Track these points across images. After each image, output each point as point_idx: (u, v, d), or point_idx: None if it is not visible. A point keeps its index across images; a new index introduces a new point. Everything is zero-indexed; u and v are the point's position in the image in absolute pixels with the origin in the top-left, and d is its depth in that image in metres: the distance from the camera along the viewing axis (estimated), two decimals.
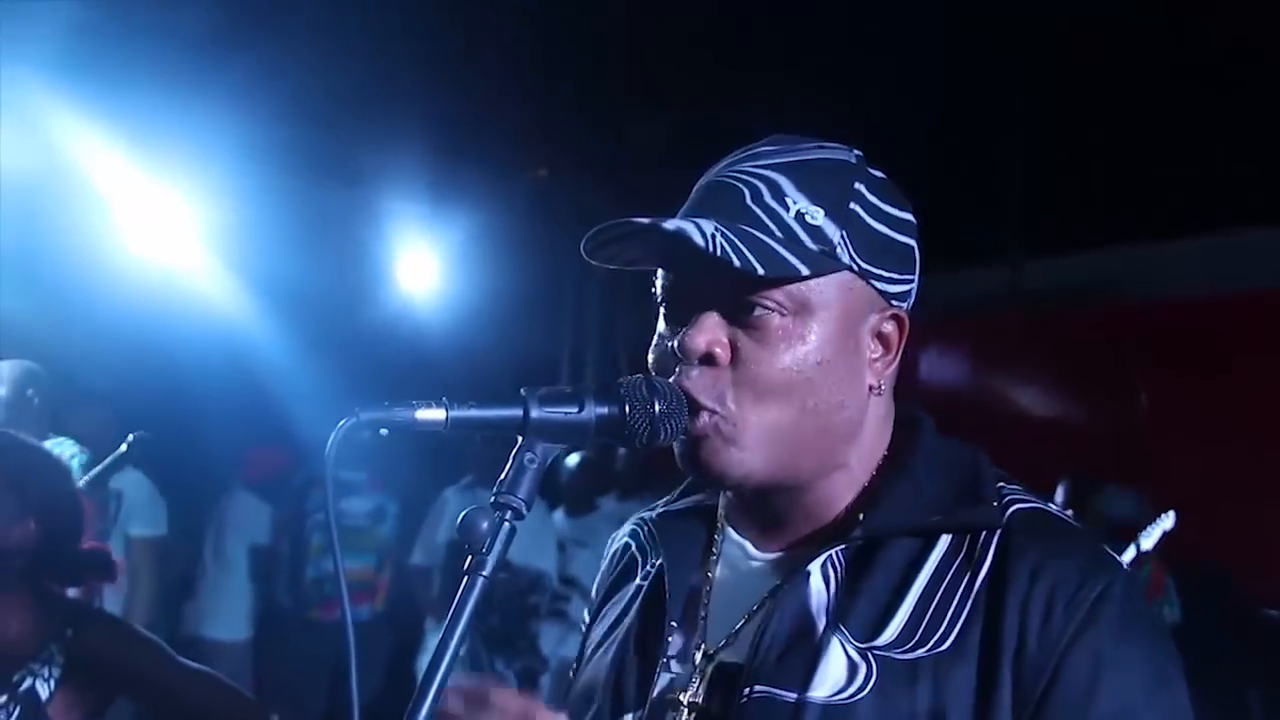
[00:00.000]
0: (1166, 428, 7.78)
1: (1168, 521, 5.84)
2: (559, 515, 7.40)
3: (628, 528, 1.76)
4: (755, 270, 1.33)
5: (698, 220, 1.36)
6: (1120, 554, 1.45)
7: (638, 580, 1.65)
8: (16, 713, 2.55)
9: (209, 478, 7.77)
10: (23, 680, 2.59)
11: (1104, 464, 6.50)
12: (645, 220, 1.37)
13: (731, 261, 1.32)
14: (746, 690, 1.37)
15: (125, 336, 7.48)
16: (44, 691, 2.60)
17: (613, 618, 1.65)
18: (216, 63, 6.86)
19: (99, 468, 4.73)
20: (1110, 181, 8.98)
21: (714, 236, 1.33)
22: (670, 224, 1.35)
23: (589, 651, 1.66)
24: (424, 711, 1.22)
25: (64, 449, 4.76)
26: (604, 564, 1.77)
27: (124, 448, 4.80)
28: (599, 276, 11.08)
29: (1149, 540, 5.80)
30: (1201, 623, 6.00)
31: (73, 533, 2.78)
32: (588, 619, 1.75)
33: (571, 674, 1.71)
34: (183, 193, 7.51)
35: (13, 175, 6.11)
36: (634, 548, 1.71)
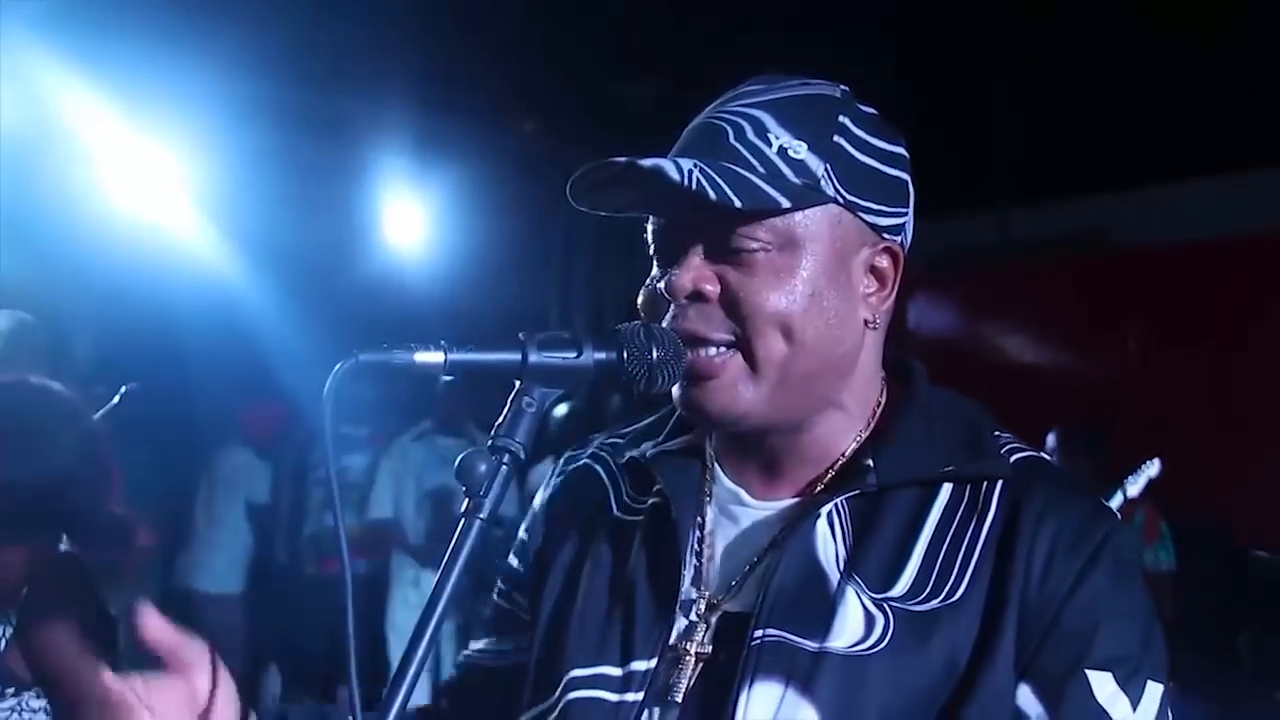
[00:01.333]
0: (1155, 375, 7.80)
1: (1153, 469, 5.86)
2: (548, 465, 7.39)
3: (589, 450, 1.72)
4: (732, 203, 1.32)
5: (677, 159, 1.36)
6: (1108, 500, 1.47)
7: (617, 514, 1.61)
8: None
9: (199, 433, 7.77)
10: None
11: (1093, 413, 6.51)
12: (623, 160, 1.36)
13: (707, 195, 1.31)
14: (758, 634, 1.36)
15: (114, 293, 7.47)
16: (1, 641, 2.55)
17: (595, 550, 1.59)
18: (204, 19, 6.82)
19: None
20: (1098, 129, 8.96)
21: (690, 172, 1.33)
22: (647, 162, 1.34)
23: (566, 578, 1.60)
24: (419, 653, 1.22)
25: None
26: (554, 480, 1.73)
27: (116, 400, 4.78)
28: (586, 230, 11.08)
29: (1135, 487, 5.81)
30: (1195, 569, 6.04)
31: (91, 491, 2.72)
32: (526, 530, 1.72)
33: (504, 585, 1.69)
34: (171, 149, 7.48)
35: (3, 133, 6.07)
36: (603, 476, 1.67)
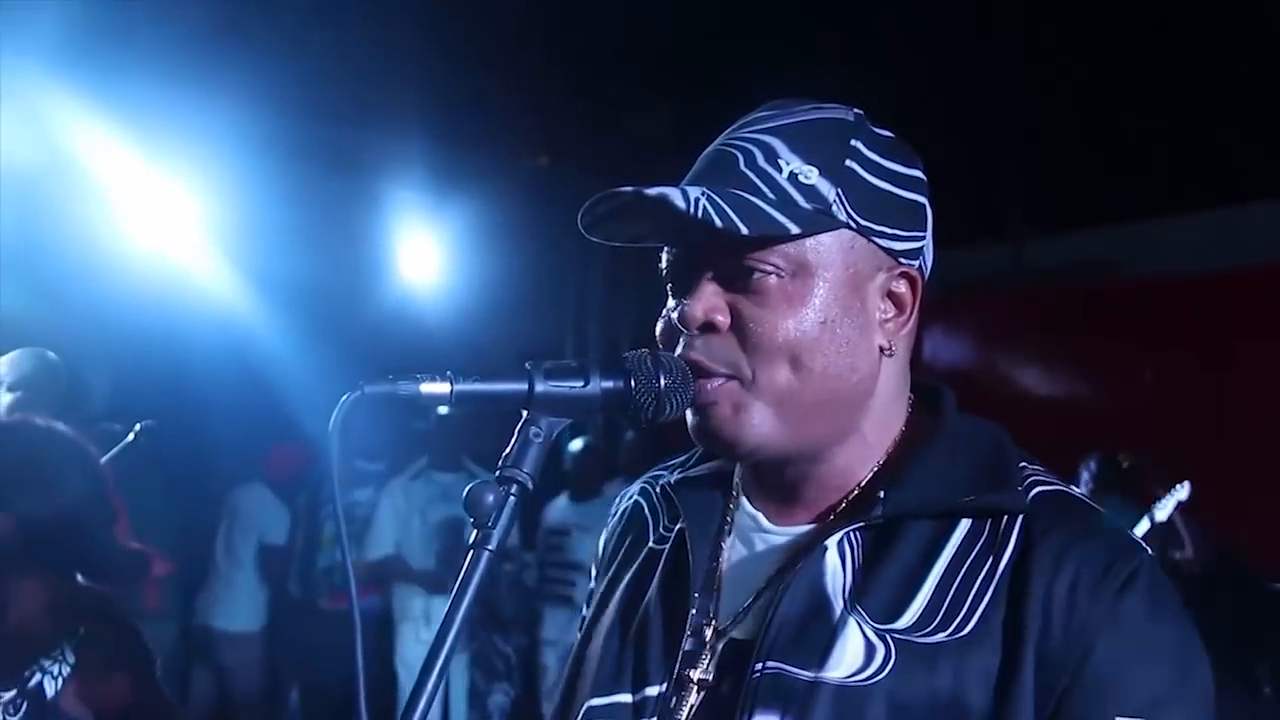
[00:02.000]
0: (1170, 404, 7.78)
1: (1182, 492, 5.85)
2: (563, 500, 7.39)
3: (637, 486, 1.73)
4: (739, 230, 1.31)
5: (686, 187, 1.35)
6: (1134, 526, 1.43)
7: (651, 544, 1.62)
8: (24, 709, 2.51)
9: (213, 469, 7.78)
10: (32, 676, 2.55)
11: (1108, 442, 6.49)
12: (630, 189, 1.35)
13: (713, 222, 1.30)
14: (759, 666, 1.35)
15: (128, 329, 7.48)
16: (50, 689, 2.55)
17: (626, 581, 1.61)
18: (217, 53, 6.85)
19: (105, 458, 4.70)
20: (1111, 159, 8.97)
21: (697, 200, 1.31)
22: (653, 191, 1.33)
23: (599, 607, 1.63)
24: (430, 684, 1.22)
25: None
26: (611, 520, 1.74)
27: (131, 437, 4.78)
28: (601, 263, 11.10)
29: (1163, 512, 5.80)
30: (1213, 599, 6.01)
31: (99, 525, 2.74)
32: (594, 576, 1.73)
33: (579, 632, 1.68)
34: (184, 184, 7.50)
35: (14, 167, 6.10)
36: (645, 508, 1.68)
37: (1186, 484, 5.88)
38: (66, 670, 2.57)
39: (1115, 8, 8.01)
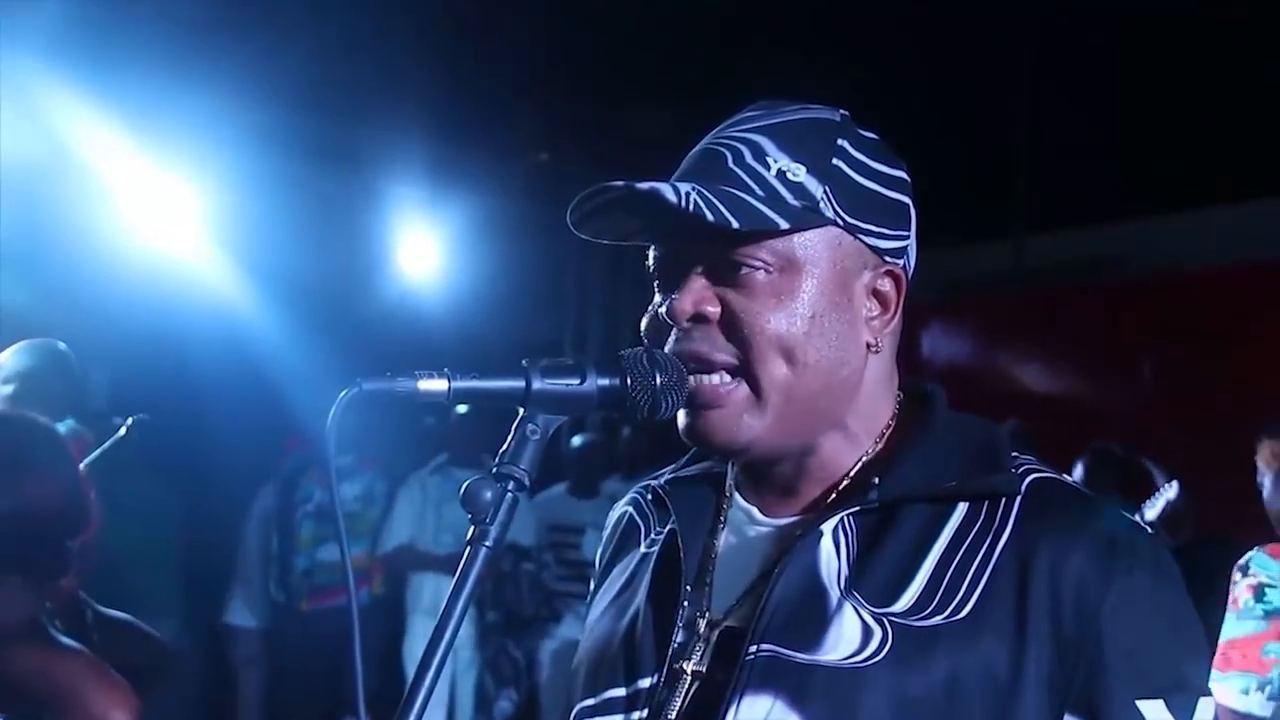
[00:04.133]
0: (1170, 401, 7.78)
1: (1171, 492, 5.83)
2: (565, 496, 7.39)
3: (629, 497, 1.75)
4: (730, 224, 1.32)
5: (676, 183, 1.36)
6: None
7: (643, 548, 1.63)
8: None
9: (213, 464, 7.77)
10: None
11: (1108, 440, 6.49)
12: (620, 184, 1.36)
13: (705, 216, 1.32)
14: (752, 649, 1.35)
15: (128, 324, 7.49)
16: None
17: (620, 583, 1.63)
18: (216, 47, 6.86)
19: (97, 451, 4.70)
20: (1112, 157, 8.98)
21: (688, 195, 1.33)
22: (644, 185, 1.35)
23: (595, 616, 1.64)
24: (428, 679, 1.23)
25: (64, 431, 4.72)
26: (605, 533, 1.76)
27: (123, 431, 4.77)
28: (601, 259, 11.11)
29: (1153, 510, 5.79)
30: (1210, 597, 6.00)
31: (63, 528, 2.72)
32: (592, 588, 1.74)
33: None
34: (184, 178, 7.50)
35: (13, 161, 6.10)
36: (635, 516, 1.70)
37: (1176, 484, 5.87)
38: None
39: (1117, 8, 8.01)
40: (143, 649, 2.77)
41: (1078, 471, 6.14)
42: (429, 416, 8.13)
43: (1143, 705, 1.28)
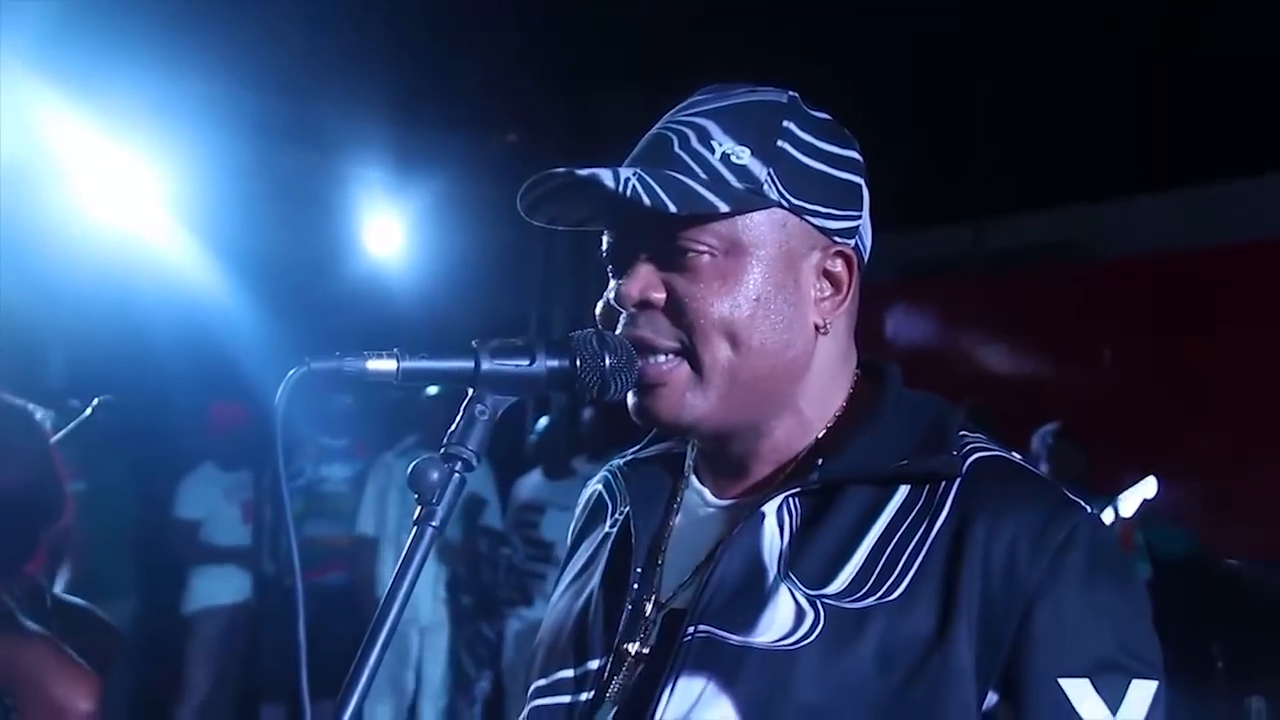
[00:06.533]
0: (1128, 384, 7.83)
1: (1149, 488, 5.85)
2: (537, 477, 7.39)
3: (600, 475, 1.76)
4: (667, 208, 1.34)
5: (617, 168, 1.37)
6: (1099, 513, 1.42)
7: (606, 527, 1.64)
8: None
9: (173, 445, 7.75)
10: None
11: (1067, 422, 6.53)
12: (562, 170, 1.37)
13: (642, 200, 1.33)
14: (690, 630, 1.37)
15: (89, 305, 7.45)
16: None
17: (581, 564, 1.65)
18: (180, 28, 6.81)
19: (62, 432, 4.67)
20: (1071, 141, 9.02)
21: (627, 180, 1.34)
22: (585, 171, 1.35)
23: (556, 596, 1.66)
24: (370, 661, 1.23)
25: None
26: (576, 511, 1.77)
27: (88, 412, 4.74)
28: (566, 241, 11.08)
29: (1128, 505, 5.81)
30: (1168, 578, 6.05)
31: (38, 510, 2.70)
32: (561, 567, 1.75)
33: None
34: (146, 160, 7.46)
35: None
36: (604, 494, 1.71)
37: (1153, 479, 5.88)
38: None
39: None
40: (98, 635, 2.75)
41: (1043, 444, 6.17)
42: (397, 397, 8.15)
43: (1065, 683, 1.27)
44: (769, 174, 1.41)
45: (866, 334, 1.56)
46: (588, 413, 7.81)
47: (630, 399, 1.45)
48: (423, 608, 6.96)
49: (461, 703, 7.28)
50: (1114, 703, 1.27)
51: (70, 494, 2.85)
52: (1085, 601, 1.29)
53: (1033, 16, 8.26)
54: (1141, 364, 7.81)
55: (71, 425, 4.61)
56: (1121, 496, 5.86)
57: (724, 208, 1.37)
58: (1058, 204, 9.53)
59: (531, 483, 7.39)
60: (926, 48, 8.45)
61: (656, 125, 1.49)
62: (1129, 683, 1.29)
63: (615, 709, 1.42)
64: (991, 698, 1.29)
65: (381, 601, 1.27)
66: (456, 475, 1.31)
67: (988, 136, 9.56)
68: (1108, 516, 5.57)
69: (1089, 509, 1.37)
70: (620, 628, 1.48)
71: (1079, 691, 1.28)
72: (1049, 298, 8.58)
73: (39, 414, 2.73)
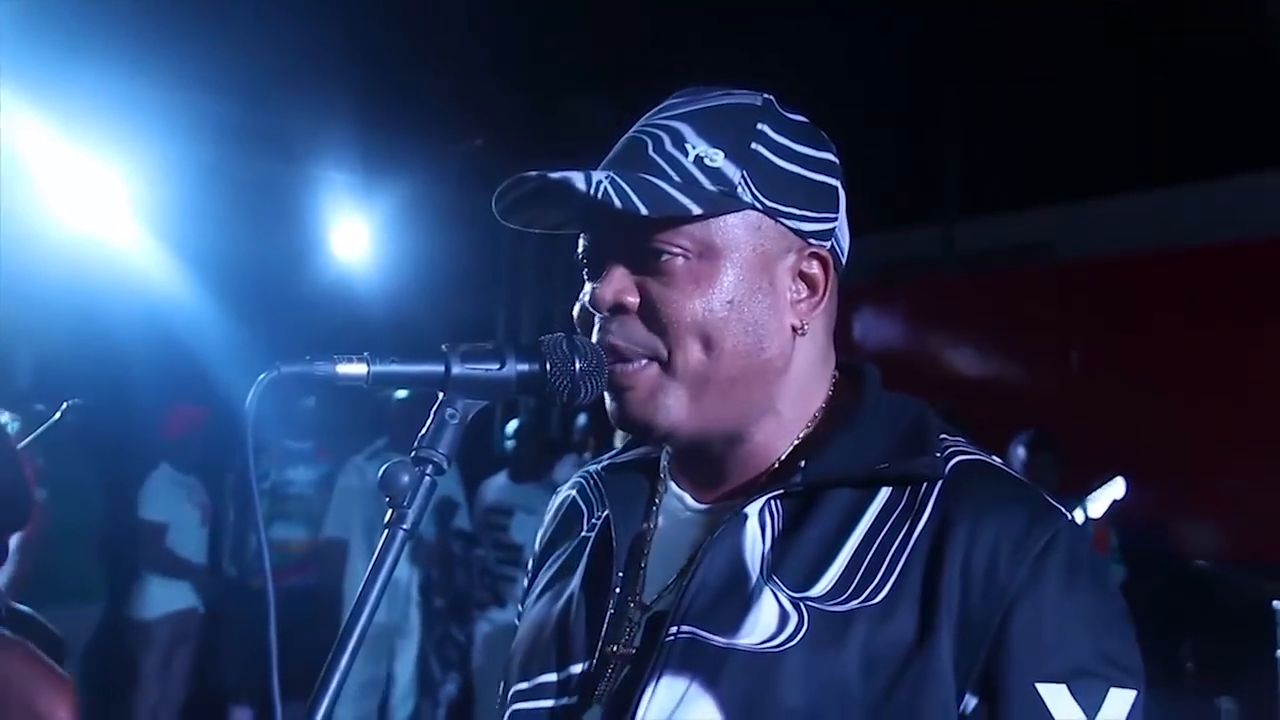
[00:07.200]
0: (1096, 385, 7.87)
1: (1118, 488, 5.86)
2: (503, 480, 7.38)
3: (573, 480, 1.75)
4: (638, 210, 1.33)
5: (590, 171, 1.36)
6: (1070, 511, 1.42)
7: (583, 531, 1.64)
8: None
9: (140, 449, 7.70)
10: None
11: (1036, 422, 6.56)
12: (534, 173, 1.36)
13: (613, 203, 1.32)
14: (673, 630, 1.35)
15: (55, 309, 7.41)
16: None
17: (556, 568, 1.63)
18: (145, 34, 6.79)
19: (31, 436, 4.65)
20: (1041, 143, 9.06)
21: (599, 183, 1.33)
22: (557, 174, 1.34)
23: (532, 600, 1.65)
24: (341, 664, 1.22)
25: None
26: (546, 517, 1.76)
27: (58, 415, 4.71)
28: (533, 245, 11.11)
29: (1097, 505, 5.83)
30: (1137, 579, 6.08)
31: (6, 514, 2.67)
32: (530, 571, 1.74)
33: (516, 623, 1.69)
34: (112, 165, 7.43)
35: None
36: (578, 499, 1.70)
37: (1121, 480, 5.90)
38: None
39: None
40: (48, 646, 2.71)
41: (1019, 453, 6.18)
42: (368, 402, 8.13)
43: (1043, 689, 1.26)
44: (743, 176, 1.40)
45: (836, 336, 1.54)
46: (581, 419, 7.81)
47: (608, 403, 1.45)
48: (395, 610, 6.93)
49: (425, 705, 7.26)
50: (1091, 710, 1.27)
51: (36, 500, 2.81)
52: (1064, 608, 1.29)
53: (1003, 19, 8.30)
54: (1110, 365, 7.85)
55: (41, 429, 4.58)
56: (1090, 498, 5.88)
57: (697, 210, 1.36)
58: (1028, 206, 9.58)
59: (497, 485, 7.37)
60: (897, 50, 8.49)
61: (632, 128, 1.48)
62: (1107, 690, 1.28)
63: (601, 711, 1.42)
64: (970, 700, 1.28)
65: (353, 604, 1.26)
66: (428, 478, 1.30)
67: (958, 138, 9.61)
68: (1077, 518, 5.58)
69: (1069, 515, 1.36)
70: (603, 630, 1.47)
71: (1056, 697, 1.27)
72: (1018, 299, 8.61)
73: (4, 417, 2.70)
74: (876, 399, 1.50)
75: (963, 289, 9.23)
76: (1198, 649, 6.01)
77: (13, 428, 4.81)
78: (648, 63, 7.71)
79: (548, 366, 1.36)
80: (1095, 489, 5.92)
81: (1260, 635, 5.28)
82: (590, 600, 1.51)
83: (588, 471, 1.72)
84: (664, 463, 1.60)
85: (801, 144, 1.46)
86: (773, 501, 1.42)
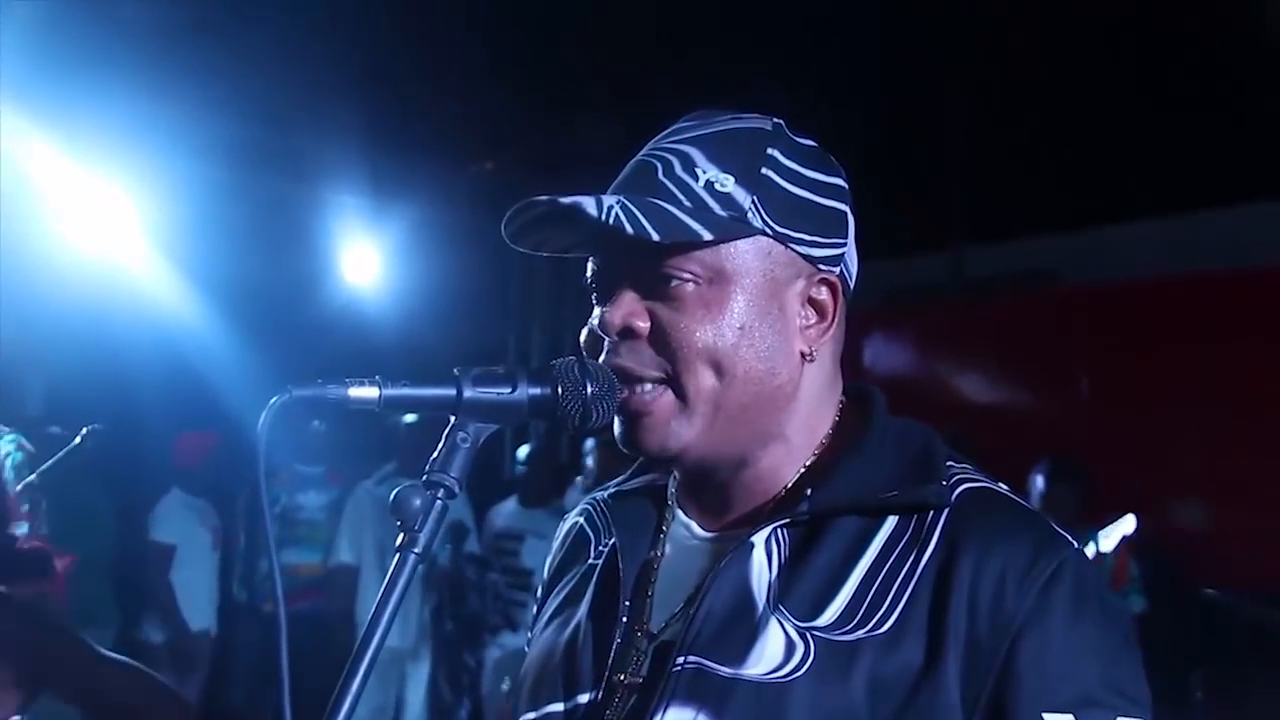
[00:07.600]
0: (1105, 413, 7.84)
1: (1128, 525, 5.83)
2: (512, 505, 7.36)
3: (580, 507, 1.75)
4: (650, 236, 1.33)
5: (600, 196, 1.37)
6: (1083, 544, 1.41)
7: (590, 559, 1.63)
8: None
9: (151, 473, 7.71)
10: None
11: (1044, 450, 6.53)
12: (545, 198, 1.36)
13: (624, 229, 1.33)
14: (679, 661, 1.36)
15: (66, 332, 7.42)
16: None
17: (564, 596, 1.63)
18: (157, 56, 6.81)
19: (50, 461, 4.65)
20: (1050, 170, 9.06)
21: (611, 208, 1.34)
22: (568, 200, 1.34)
23: (540, 628, 1.64)
24: (353, 688, 1.22)
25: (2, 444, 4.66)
26: (554, 544, 1.75)
27: (78, 440, 4.73)
28: (544, 268, 11.11)
29: (1108, 541, 5.79)
30: (1160, 609, 6.05)
31: None
32: (538, 598, 1.74)
33: (526, 649, 1.69)
34: (124, 187, 7.45)
35: None
36: (585, 527, 1.70)
37: (1132, 517, 5.86)
38: None
39: (1056, 18, 8.09)
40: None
41: (1037, 482, 6.15)
42: (373, 427, 8.12)
43: (1049, 718, 1.26)
44: (753, 201, 1.40)
45: (844, 362, 1.54)
46: (589, 443, 7.80)
47: (617, 428, 1.44)
48: (406, 635, 6.92)
49: None
50: None
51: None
52: (1071, 637, 1.28)
53: (1012, 46, 8.31)
54: (1119, 391, 7.82)
55: (62, 453, 4.59)
56: (1101, 533, 5.84)
57: (707, 236, 1.36)
58: (1037, 232, 9.57)
59: (507, 510, 7.35)
60: (905, 75, 8.49)
61: (641, 152, 1.48)
62: None
63: None
64: None
65: (364, 629, 1.26)
66: (439, 502, 1.30)
67: (966, 165, 9.60)
68: (1088, 552, 5.54)
69: (1076, 544, 1.36)
70: (610, 659, 1.46)
71: None
72: (1025, 326, 8.59)
73: (11, 442, 2.70)
74: (883, 425, 1.49)
75: (971, 315, 9.21)
76: (1207, 678, 5.97)
77: (17, 457, 4.80)
78: (658, 85, 7.73)
79: (559, 390, 1.36)
80: (1108, 524, 5.89)
81: (1273, 664, 5.25)
82: (597, 629, 1.51)
83: (594, 498, 1.72)
84: (671, 489, 1.60)
85: (811, 169, 1.46)
86: (779, 530, 1.42)
